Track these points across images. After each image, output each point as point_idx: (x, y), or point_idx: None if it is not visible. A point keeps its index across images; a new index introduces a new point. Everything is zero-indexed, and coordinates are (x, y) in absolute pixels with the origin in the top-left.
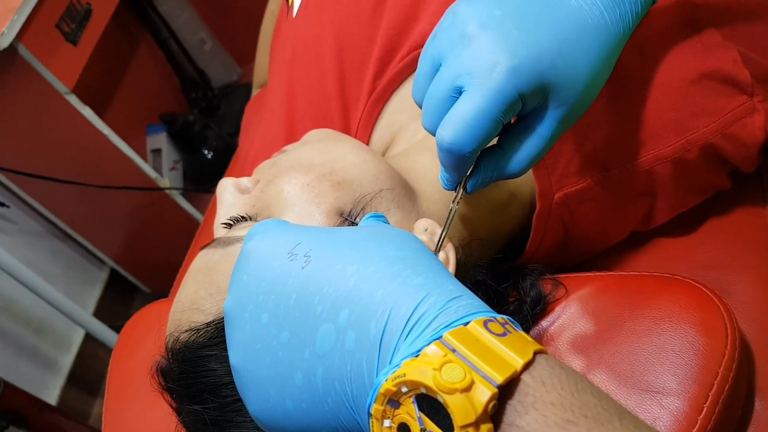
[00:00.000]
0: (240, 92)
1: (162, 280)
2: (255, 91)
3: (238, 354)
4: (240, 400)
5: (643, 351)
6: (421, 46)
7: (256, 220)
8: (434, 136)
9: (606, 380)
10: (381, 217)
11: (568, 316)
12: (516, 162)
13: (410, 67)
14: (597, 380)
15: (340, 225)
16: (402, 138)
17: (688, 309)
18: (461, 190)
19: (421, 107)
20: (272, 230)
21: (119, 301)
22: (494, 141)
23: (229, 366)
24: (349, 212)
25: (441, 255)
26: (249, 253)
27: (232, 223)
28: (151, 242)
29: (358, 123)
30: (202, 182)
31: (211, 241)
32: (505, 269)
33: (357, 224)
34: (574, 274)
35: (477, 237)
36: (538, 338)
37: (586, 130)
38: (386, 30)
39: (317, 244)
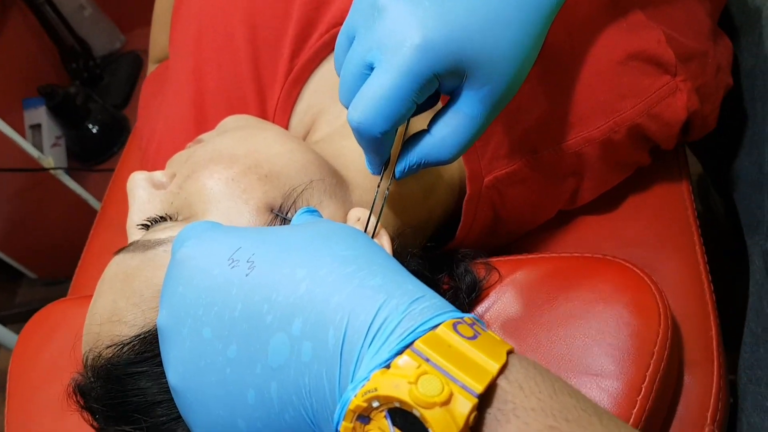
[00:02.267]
0: (124, 61)
1: (50, 265)
2: (152, 67)
3: (178, 373)
4: (176, 419)
5: (579, 334)
6: (341, 23)
7: (176, 220)
8: None
9: (544, 364)
10: (315, 212)
11: (504, 302)
12: (447, 148)
13: (330, 46)
14: None
15: (272, 222)
16: (323, 121)
17: (621, 290)
18: (386, 174)
19: None
20: (206, 234)
21: (3, 289)
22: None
23: (163, 383)
24: (280, 207)
25: None
26: (182, 262)
27: (149, 224)
28: (37, 225)
29: (276, 106)
30: (87, 159)
31: (127, 245)
32: (438, 255)
33: (289, 220)
34: (506, 258)
35: (410, 225)
36: None
37: (516, 113)
38: (301, 5)
39: (260, 248)
